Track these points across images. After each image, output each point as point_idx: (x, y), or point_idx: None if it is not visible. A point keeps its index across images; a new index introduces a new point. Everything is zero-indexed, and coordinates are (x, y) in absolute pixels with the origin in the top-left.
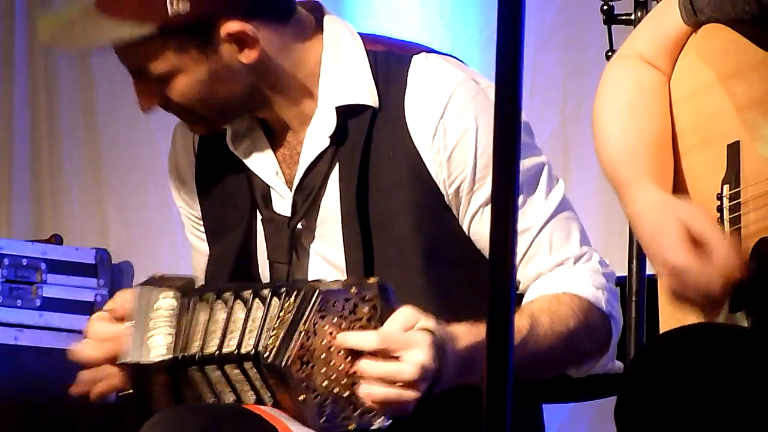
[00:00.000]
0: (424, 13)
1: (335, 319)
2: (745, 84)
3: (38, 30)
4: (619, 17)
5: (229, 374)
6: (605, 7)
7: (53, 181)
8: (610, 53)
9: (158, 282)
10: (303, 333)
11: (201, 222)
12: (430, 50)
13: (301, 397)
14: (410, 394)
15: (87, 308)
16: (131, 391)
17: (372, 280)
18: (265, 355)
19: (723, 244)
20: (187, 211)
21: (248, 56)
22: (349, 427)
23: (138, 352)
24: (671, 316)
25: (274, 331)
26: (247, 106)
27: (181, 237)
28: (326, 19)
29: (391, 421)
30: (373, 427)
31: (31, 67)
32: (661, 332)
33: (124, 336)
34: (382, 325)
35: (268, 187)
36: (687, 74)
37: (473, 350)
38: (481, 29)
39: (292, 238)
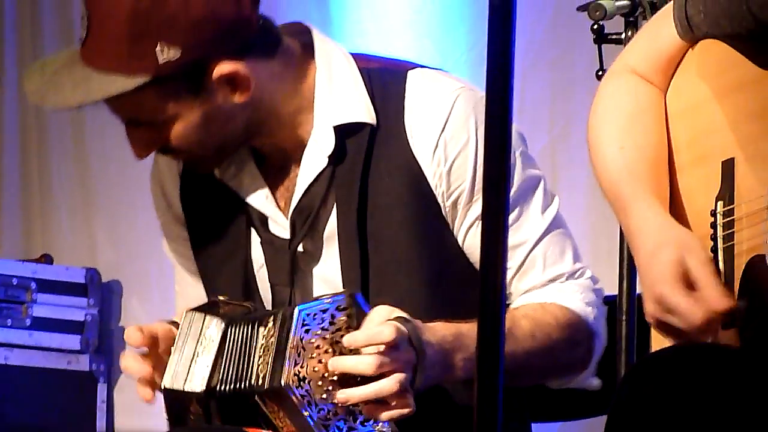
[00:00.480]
0: (414, 33)
1: (319, 332)
2: (741, 100)
3: (26, 88)
4: (610, 36)
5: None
6: (595, 27)
7: (43, 201)
8: (600, 72)
9: (215, 306)
10: (293, 351)
11: (186, 242)
12: (423, 66)
13: (306, 413)
14: (387, 386)
15: (77, 327)
16: (167, 416)
17: (341, 290)
18: (260, 384)
19: (715, 289)
20: (175, 231)
21: (241, 96)
22: None
23: (182, 378)
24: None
25: (261, 359)
26: (244, 139)
27: None
28: (316, 41)
29: (387, 425)
30: None
31: (20, 87)
32: (651, 351)
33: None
34: (359, 329)
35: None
36: (683, 89)
37: (451, 340)
38: (470, 48)
39: (294, 260)
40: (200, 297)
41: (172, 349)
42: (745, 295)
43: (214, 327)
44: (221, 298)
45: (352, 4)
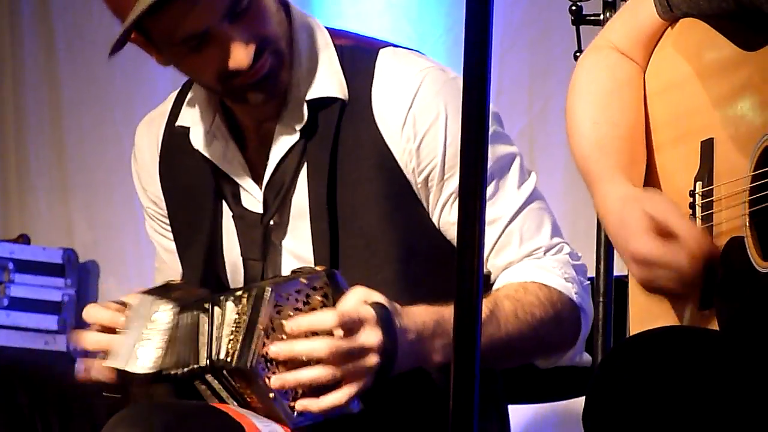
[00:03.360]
0: (392, 14)
1: (291, 312)
2: (721, 81)
3: None
4: (588, 18)
5: (199, 389)
6: (573, 8)
7: (20, 181)
8: (578, 54)
9: (168, 290)
10: (262, 331)
11: (163, 221)
12: (396, 45)
13: (271, 395)
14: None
15: (54, 308)
16: (118, 395)
17: (320, 267)
18: (228, 360)
19: (691, 229)
20: (153, 209)
21: None
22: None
23: (125, 358)
24: (640, 319)
25: (233, 336)
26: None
27: (146, 236)
28: (294, 14)
29: (358, 404)
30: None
31: None
32: (629, 335)
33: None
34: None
35: (237, 184)
36: (663, 67)
37: (432, 326)
38: (448, 29)
39: (266, 235)
40: (178, 273)
41: (120, 330)
42: (723, 277)
43: (163, 311)
44: (173, 281)
45: None
